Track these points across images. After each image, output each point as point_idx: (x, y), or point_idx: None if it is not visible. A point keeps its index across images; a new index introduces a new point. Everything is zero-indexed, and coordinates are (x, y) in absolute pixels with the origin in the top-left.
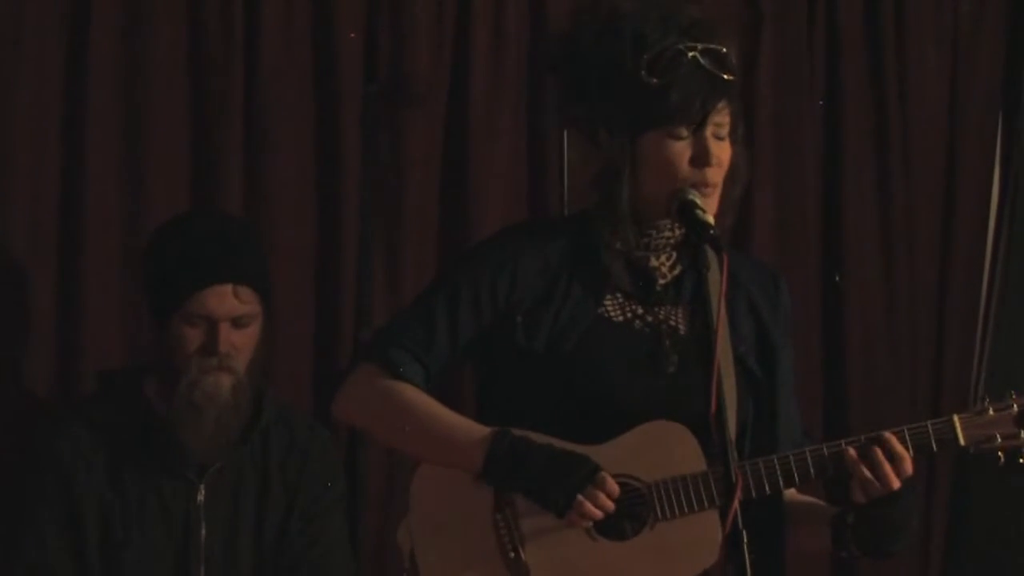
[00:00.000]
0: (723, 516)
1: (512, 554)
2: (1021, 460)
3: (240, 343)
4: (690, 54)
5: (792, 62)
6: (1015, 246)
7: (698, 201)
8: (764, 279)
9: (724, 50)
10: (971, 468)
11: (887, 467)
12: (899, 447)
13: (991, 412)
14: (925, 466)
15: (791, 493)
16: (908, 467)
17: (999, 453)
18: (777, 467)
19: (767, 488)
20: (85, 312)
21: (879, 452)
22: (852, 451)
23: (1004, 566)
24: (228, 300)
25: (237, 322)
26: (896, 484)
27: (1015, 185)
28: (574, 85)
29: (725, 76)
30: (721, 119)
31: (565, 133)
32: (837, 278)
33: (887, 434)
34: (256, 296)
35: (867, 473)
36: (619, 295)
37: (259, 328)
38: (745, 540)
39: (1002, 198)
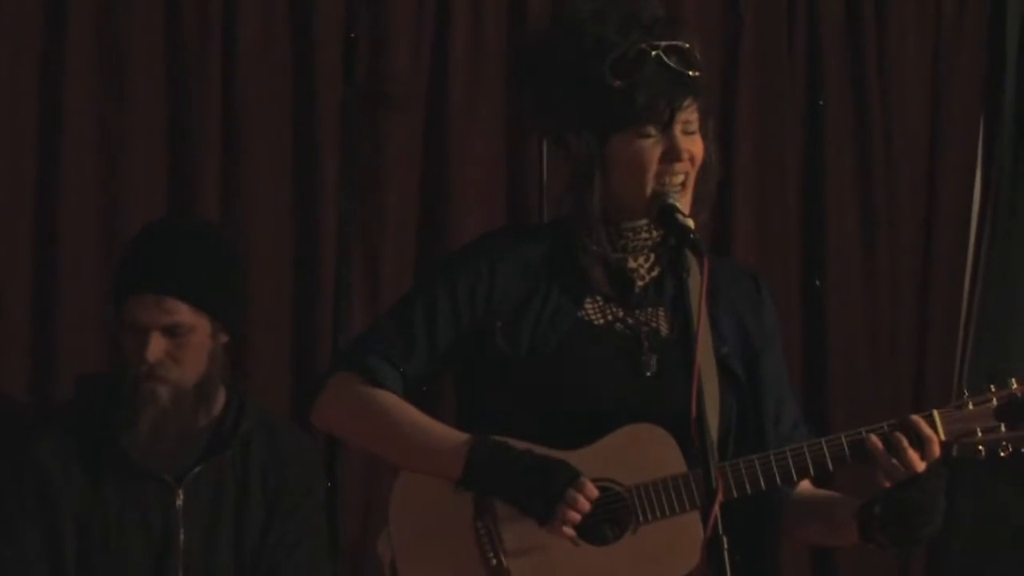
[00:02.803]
0: (704, 518)
1: (494, 561)
2: (1002, 454)
3: (177, 354)
4: (653, 53)
5: (772, 66)
6: (996, 247)
7: (679, 205)
8: (745, 282)
9: (688, 46)
10: (958, 470)
11: (909, 452)
12: (927, 430)
13: (971, 406)
14: None
15: (810, 489)
16: (935, 449)
17: (979, 447)
18: (758, 467)
19: (748, 488)
20: (61, 316)
21: (904, 438)
22: (844, 447)
23: (990, 569)
24: (151, 310)
25: (170, 331)
26: (920, 466)
27: (997, 186)
28: (541, 92)
29: (690, 73)
30: (689, 116)
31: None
32: (817, 282)
33: (912, 418)
34: (189, 308)
35: (891, 460)
36: (599, 298)
37: (204, 338)
38: (725, 546)
39: (984, 199)
